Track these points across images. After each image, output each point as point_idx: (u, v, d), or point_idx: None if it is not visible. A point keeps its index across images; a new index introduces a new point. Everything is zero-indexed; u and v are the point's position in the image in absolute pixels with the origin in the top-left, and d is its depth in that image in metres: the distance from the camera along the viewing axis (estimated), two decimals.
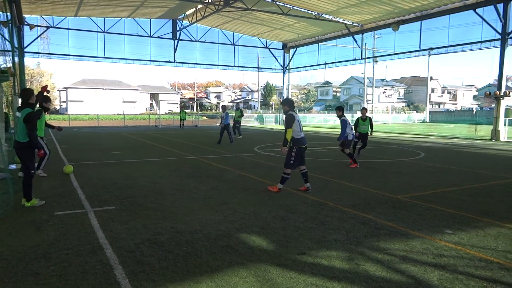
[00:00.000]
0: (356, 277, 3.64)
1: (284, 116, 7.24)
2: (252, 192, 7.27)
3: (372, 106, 52.43)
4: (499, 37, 20.58)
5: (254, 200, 6.62)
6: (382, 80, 72.13)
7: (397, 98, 73.99)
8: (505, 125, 21.23)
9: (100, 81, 70.82)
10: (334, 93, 79.14)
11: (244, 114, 30.02)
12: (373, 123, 12.37)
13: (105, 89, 68.84)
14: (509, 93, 20.65)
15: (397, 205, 6.35)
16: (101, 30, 30.00)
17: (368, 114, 12.71)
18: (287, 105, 7.21)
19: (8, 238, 4.59)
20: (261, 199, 6.70)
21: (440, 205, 6.38)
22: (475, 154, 14.82)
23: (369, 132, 12.07)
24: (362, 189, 7.61)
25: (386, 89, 72.26)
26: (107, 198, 6.57)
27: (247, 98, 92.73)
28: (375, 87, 55.44)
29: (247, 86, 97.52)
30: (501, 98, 20.52)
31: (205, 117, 53.23)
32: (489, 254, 4.28)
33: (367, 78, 51.30)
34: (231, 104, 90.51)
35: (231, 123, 19.48)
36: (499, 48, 20.68)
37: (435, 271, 3.80)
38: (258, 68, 40.38)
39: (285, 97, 39.78)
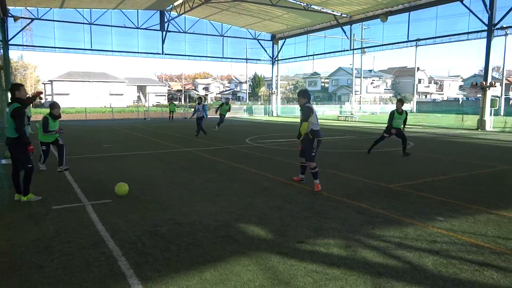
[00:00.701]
0: (354, 263, 3.77)
1: (300, 108, 6.94)
2: (246, 183, 7.36)
3: (360, 96, 52.78)
4: (486, 28, 20.87)
5: (250, 191, 6.71)
6: (370, 71, 72.58)
7: (385, 89, 74.69)
8: (490, 115, 21.64)
9: (86, 74, 69.73)
10: (323, 84, 79.43)
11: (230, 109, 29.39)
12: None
13: (91, 81, 67.85)
14: (494, 84, 21.06)
15: (389, 194, 6.51)
16: (87, 22, 29.45)
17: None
18: (307, 98, 6.93)
19: (7, 233, 4.60)
20: (256, 189, 6.80)
21: (431, 193, 6.56)
22: (462, 143, 15.14)
23: (401, 127, 11.03)
24: (355, 179, 7.76)
25: (374, 80, 72.80)
26: (103, 192, 6.58)
27: (235, 89, 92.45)
28: (363, 77, 55.75)
29: (235, 78, 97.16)
30: (487, 89, 20.89)
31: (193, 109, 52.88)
32: (480, 239, 4.45)
33: (355, 69, 51.55)
34: (219, 96, 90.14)
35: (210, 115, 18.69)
36: (486, 39, 21.00)
37: (429, 256, 3.95)
38: (247, 59, 40.19)
39: (273, 88, 39.89)
